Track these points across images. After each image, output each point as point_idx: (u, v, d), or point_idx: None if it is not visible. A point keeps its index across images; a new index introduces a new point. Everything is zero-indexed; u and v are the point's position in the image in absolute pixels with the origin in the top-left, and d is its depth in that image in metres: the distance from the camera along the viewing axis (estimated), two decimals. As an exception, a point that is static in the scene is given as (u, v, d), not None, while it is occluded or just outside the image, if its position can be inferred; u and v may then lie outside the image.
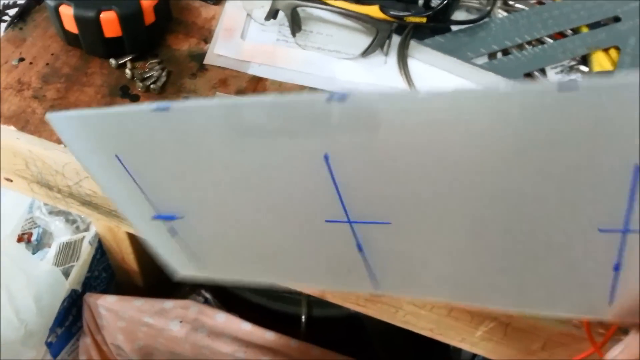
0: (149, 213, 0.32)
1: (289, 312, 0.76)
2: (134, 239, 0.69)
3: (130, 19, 0.46)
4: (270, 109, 0.24)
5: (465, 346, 0.47)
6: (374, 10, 0.47)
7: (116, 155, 0.29)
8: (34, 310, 0.68)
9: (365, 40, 0.49)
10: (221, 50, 0.49)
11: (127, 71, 0.47)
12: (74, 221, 0.75)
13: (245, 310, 0.73)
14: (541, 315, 0.31)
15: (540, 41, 0.50)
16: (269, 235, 0.31)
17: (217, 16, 0.52)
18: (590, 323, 0.36)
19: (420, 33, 0.49)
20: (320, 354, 0.68)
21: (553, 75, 0.49)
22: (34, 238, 0.74)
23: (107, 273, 0.79)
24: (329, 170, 0.25)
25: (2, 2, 0.54)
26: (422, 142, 0.24)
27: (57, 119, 0.28)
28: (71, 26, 0.46)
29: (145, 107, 0.26)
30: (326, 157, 0.25)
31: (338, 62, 0.49)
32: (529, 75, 0.48)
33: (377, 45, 0.48)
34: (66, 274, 0.72)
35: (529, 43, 0.50)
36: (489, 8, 0.51)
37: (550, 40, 0.50)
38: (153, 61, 0.49)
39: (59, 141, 0.44)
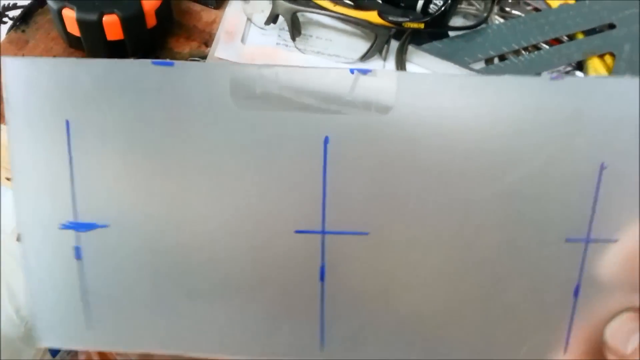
0: (57, 218, 0.26)
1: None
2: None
3: (133, 22, 0.47)
4: (285, 76, 0.24)
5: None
6: (372, 16, 0.48)
7: (66, 121, 0.24)
8: (34, 309, 0.69)
9: (364, 45, 0.50)
10: (222, 53, 0.50)
11: (129, 74, 0.48)
12: (74, 220, 0.76)
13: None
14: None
15: (537, 47, 0.51)
16: (220, 257, 0.25)
17: (218, 20, 0.53)
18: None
19: (418, 38, 0.50)
20: None
21: (549, 80, 0.50)
22: (34, 236, 0.75)
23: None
24: (324, 156, 0.24)
25: (2, 3, 0.54)
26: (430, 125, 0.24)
27: (15, 64, 0.24)
28: (74, 29, 0.47)
29: (144, 60, 0.24)
30: (326, 140, 0.24)
31: (337, 66, 0.50)
32: (525, 80, 0.49)
33: (376, 50, 0.49)
34: (66, 272, 0.72)
35: (525, 49, 0.51)
36: (486, 14, 0.52)
37: (546, 46, 0.51)
38: (154, 64, 0.49)
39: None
